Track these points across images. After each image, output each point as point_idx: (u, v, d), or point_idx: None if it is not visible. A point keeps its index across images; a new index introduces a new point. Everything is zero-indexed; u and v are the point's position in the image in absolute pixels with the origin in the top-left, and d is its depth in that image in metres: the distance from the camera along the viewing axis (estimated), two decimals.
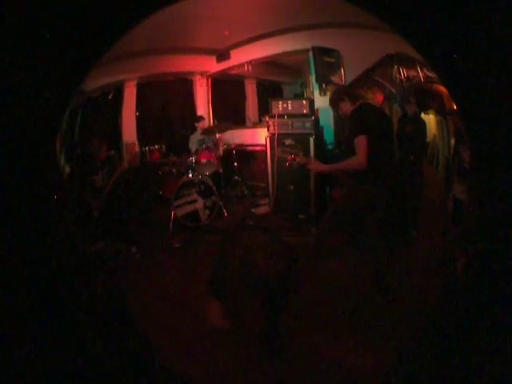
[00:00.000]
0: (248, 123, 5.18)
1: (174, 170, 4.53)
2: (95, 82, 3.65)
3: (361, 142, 3.26)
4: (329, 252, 3.64)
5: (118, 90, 4.32)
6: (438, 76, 2.28)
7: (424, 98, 3.68)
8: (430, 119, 3.66)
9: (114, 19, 1.86)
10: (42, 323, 1.99)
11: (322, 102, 4.36)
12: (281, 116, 4.42)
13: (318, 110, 4.39)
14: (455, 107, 2.71)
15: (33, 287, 1.96)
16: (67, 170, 3.01)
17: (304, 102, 4.49)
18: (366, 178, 3.34)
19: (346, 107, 3.54)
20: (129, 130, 4.43)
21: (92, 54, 1.96)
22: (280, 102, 4.54)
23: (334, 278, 3.34)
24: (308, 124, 4.36)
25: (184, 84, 4.89)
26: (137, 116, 4.50)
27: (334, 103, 3.71)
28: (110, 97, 4.21)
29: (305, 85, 4.65)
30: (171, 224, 4.18)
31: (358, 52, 4.01)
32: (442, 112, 3.43)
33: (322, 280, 3.32)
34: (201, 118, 4.81)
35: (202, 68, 4.83)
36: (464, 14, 1.74)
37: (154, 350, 2.45)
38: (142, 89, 4.50)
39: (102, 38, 1.92)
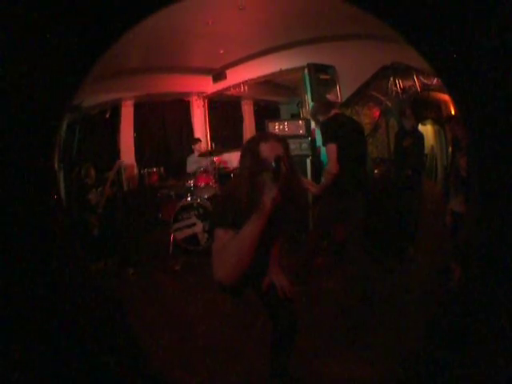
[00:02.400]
0: None
1: (172, 193, 4.51)
2: (92, 99, 3.67)
3: (330, 149, 3.29)
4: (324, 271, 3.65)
5: (115, 109, 4.31)
6: (441, 80, 2.28)
7: (421, 109, 3.70)
8: (427, 130, 3.67)
9: (107, 22, 1.86)
10: (40, 339, 1.94)
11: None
12: None
13: (314, 130, 4.39)
14: (453, 113, 2.73)
15: (33, 301, 1.92)
16: (66, 185, 3.00)
17: (300, 122, 4.51)
18: (338, 187, 3.34)
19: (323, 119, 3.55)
20: (127, 151, 4.43)
21: (85, 60, 1.95)
22: (276, 124, 4.55)
23: (332, 296, 3.34)
24: (304, 145, 4.37)
25: (181, 105, 4.90)
26: (134, 137, 4.51)
27: (313, 116, 3.74)
28: (107, 115, 4.22)
29: (301, 104, 4.67)
30: (171, 247, 4.15)
31: (353, 65, 4.03)
32: (439, 120, 3.45)
33: (320, 298, 3.31)
34: (197, 141, 4.80)
35: (199, 88, 4.85)
36: (467, 14, 1.75)
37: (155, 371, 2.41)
38: (139, 109, 4.51)
39: (94, 44, 1.91)
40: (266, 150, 1.87)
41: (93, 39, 1.92)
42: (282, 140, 2.00)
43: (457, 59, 1.82)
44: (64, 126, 2.27)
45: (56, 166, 2.32)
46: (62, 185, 2.72)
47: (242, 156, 2.03)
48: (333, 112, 3.49)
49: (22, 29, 1.73)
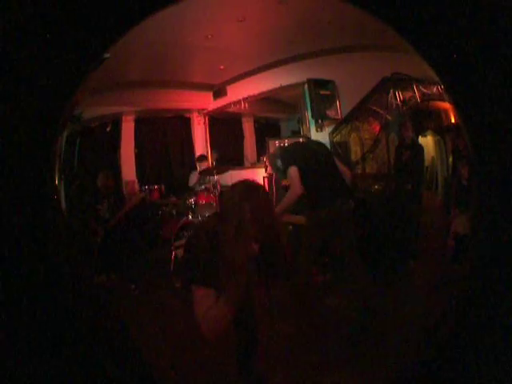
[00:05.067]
0: (246, 163, 5.16)
1: (173, 211, 4.51)
2: (93, 111, 3.68)
3: (290, 173, 3.38)
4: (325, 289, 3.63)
5: (116, 123, 4.33)
6: (444, 87, 2.28)
7: (421, 120, 3.71)
8: (427, 141, 3.68)
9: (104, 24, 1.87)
10: (42, 352, 1.92)
11: (318, 138, 4.35)
12: None
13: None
14: (454, 122, 2.73)
15: (35, 315, 1.91)
16: (67, 200, 3.00)
17: (301, 139, 4.50)
18: (314, 204, 3.45)
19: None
20: (128, 167, 4.43)
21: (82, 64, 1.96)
22: (277, 142, 4.57)
23: (332, 313, 3.33)
24: None
25: (182, 122, 4.91)
26: (135, 153, 4.52)
27: (274, 164, 3.88)
28: (107, 129, 4.24)
29: (301, 121, 4.67)
30: (172, 264, 4.13)
31: (353, 79, 4.04)
32: (439, 131, 3.45)
33: (319, 313, 3.31)
34: (203, 158, 4.80)
35: (200, 105, 4.85)
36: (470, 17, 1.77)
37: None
38: (139, 125, 4.52)
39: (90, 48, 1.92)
40: (249, 213, 1.88)
41: (89, 46, 1.94)
42: (265, 194, 2.06)
43: (459, 66, 1.84)
44: (64, 137, 2.27)
45: (56, 177, 2.32)
46: (62, 196, 2.71)
47: (222, 211, 2.05)
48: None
49: (20, 37, 1.75)
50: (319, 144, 3.88)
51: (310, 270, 3.64)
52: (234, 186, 2.07)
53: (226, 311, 1.82)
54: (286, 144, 3.97)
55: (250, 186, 2.05)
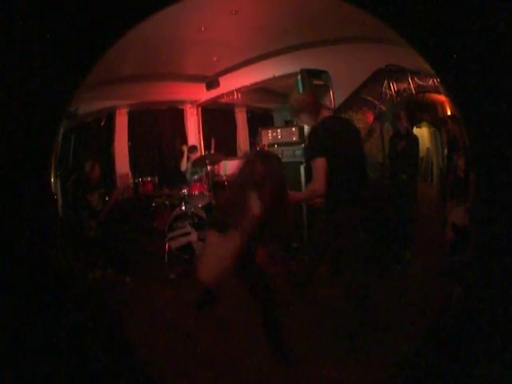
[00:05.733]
0: (239, 153, 5.15)
1: (167, 202, 4.51)
2: (87, 106, 3.65)
3: (316, 165, 2.96)
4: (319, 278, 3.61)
5: (110, 117, 4.32)
6: (439, 79, 2.29)
7: (416, 111, 3.72)
8: (422, 132, 3.68)
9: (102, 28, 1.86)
10: (40, 349, 1.92)
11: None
12: (271, 145, 4.42)
13: (308, 136, 4.38)
14: (450, 114, 2.74)
15: (31, 311, 1.91)
16: (63, 194, 2.98)
17: (293, 129, 4.48)
18: (335, 204, 3.12)
19: (307, 120, 3.46)
20: (121, 160, 4.42)
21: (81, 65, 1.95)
22: (270, 131, 4.55)
23: (330, 301, 3.33)
24: (298, 152, 4.35)
25: (175, 113, 4.89)
26: (129, 146, 4.51)
27: (295, 114, 3.66)
28: (102, 124, 4.23)
29: None
30: (166, 256, 4.14)
31: (347, 70, 4.03)
32: (435, 122, 3.45)
33: (314, 305, 3.32)
34: (194, 149, 4.80)
35: (193, 96, 4.83)
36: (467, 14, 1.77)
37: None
38: (133, 117, 4.50)
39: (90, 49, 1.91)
40: (264, 174, 2.17)
41: (87, 46, 1.93)
42: (279, 162, 2.33)
43: (454, 59, 1.84)
44: (61, 133, 2.26)
45: (53, 174, 2.31)
46: (59, 192, 2.70)
47: (241, 170, 2.28)
48: (322, 115, 3.32)
49: (18, 36, 1.72)
50: (355, 131, 3.54)
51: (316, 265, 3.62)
52: (254, 152, 2.40)
53: (230, 251, 2.14)
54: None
55: (267, 154, 2.42)
